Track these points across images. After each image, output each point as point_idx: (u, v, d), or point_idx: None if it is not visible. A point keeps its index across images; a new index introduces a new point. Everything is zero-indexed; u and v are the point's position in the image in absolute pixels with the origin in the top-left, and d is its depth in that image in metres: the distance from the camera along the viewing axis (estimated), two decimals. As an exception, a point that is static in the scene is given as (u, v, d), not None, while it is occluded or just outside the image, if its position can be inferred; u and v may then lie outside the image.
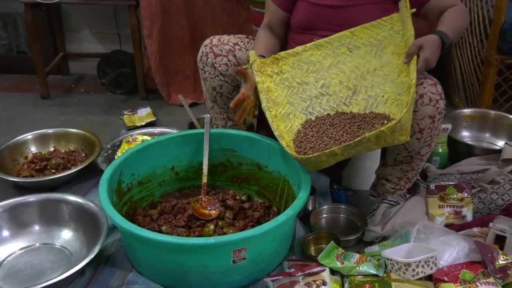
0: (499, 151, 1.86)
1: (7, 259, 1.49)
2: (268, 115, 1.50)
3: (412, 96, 1.31)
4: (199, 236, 1.49)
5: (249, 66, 1.56)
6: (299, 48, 1.61)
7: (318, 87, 1.55)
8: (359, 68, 1.53)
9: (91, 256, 1.36)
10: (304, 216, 1.67)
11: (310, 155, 1.34)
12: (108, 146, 2.06)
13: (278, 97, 1.53)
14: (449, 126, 1.96)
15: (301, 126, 1.49)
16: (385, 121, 1.37)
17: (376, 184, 1.73)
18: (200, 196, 1.63)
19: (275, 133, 1.45)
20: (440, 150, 1.96)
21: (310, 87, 1.55)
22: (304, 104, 1.54)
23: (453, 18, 1.49)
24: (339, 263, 1.38)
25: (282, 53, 1.61)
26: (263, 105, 1.51)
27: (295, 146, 1.44)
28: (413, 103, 1.33)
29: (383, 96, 1.45)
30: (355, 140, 1.29)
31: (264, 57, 1.61)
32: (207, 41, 1.67)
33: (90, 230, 1.51)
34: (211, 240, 1.25)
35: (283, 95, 1.57)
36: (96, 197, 1.53)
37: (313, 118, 1.51)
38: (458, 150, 1.99)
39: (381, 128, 1.27)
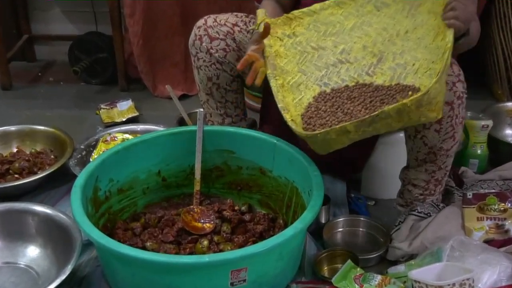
0: (549, 153, 1.87)
1: (-39, 281, 1.50)
2: (273, 84, 1.48)
3: (446, 63, 1.28)
4: (191, 253, 1.50)
5: (257, 28, 1.54)
6: (316, 6, 1.59)
7: (337, 53, 1.53)
8: (388, 31, 1.51)
9: (62, 277, 1.37)
10: (316, 230, 1.67)
11: (317, 131, 1.33)
12: (82, 147, 2.06)
13: (288, 64, 1.52)
14: (490, 122, 1.96)
15: (313, 99, 1.47)
16: (410, 93, 1.35)
17: (402, 191, 1.73)
18: (191, 207, 1.64)
19: (279, 105, 1.44)
20: (478, 152, 1.96)
21: (327, 53, 1.54)
22: (318, 74, 1.52)
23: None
24: (357, 286, 1.39)
25: (296, 12, 1.59)
26: (268, 72, 1.50)
27: (303, 122, 1.42)
28: (446, 71, 1.31)
29: (413, 65, 1.42)
30: (372, 114, 1.28)
31: None
32: (201, 22, 1.68)
33: (60, 246, 1.51)
34: (205, 258, 1.26)
35: (294, 61, 1.56)
36: (68, 207, 1.53)
37: (328, 90, 1.48)
38: (500, 151, 2.00)
39: (404, 101, 1.26)
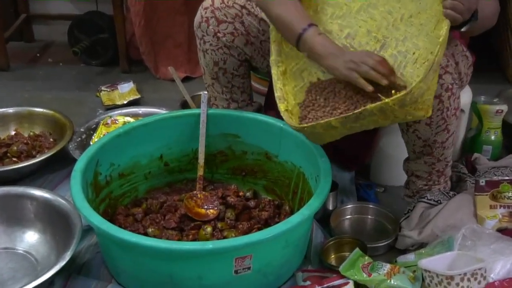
0: None
1: (-42, 267, 1.51)
2: (274, 71, 1.49)
3: (435, 60, 1.26)
4: (194, 240, 1.50)
5: None
6: None
7: (342, 38, 1.53)
8: (392, 14, 1.50)
9: (62, 263, 1.37)
10: (323, 217, 1.67)
11: (303, 125, 1.36)
12: (82, 130, 2.06)
13: (293, 49, 1.52)
14: (504, 107, 1.95)
15: (312, 88, 1.49)
16: (393, 91, 1.35)
17: (408, 182, 1.74)
18: (195, 192, 1.64)
19: (276, 94, 1.46)
20: (492, 138, 1.96)
21: (332, 37, 1.52)
22: None
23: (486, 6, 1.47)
24: (365, 275, 1.39)
25: None
26: (272, 58, 1.50)
27: (301, 111, 1.45)
28: (435, 68, 1.29)
29: (413, 53, 1.43)
30: (355, 112, 1.29)
31: None
32: (207, 3, 1.67)
33: (60, 232, 1.52)
34: (208, 245, 1.26)
35: None
36: (68, 191, 1.54)
37: (324, 78, 1.50)
38: (515, 137, 1.99)
39: (386, 100, 1.26)
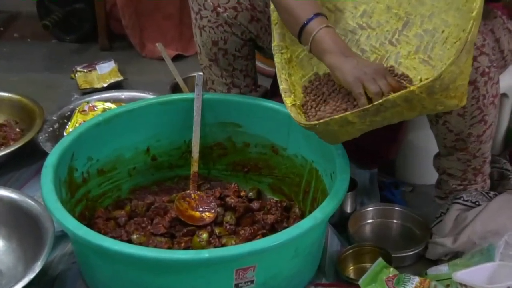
0: None
1: None
2: (277, 59, 1.49)
3: (468, 39, 1.25)
4: (187, 248, 1.51)
5: None
6: None
7: (357, 17, 1.53)
8: None
9: (31, 276, 1.37)
10: (339, 221, 1.68)
11: (315, 122, 1.35)
12: (54, 118, 2.07)
13: None
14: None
15: (323, 78, 1.48)
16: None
17: (439, 181, 1.74)
18: (188, 192, 1.64)
19: (280, 87, 1.46)
20: (539, 126, 1.95)
21: (346, 17, 1.53)
22: None
23: None
24: (390, 290, 1.39)
25: None
26: (274, 44, 1.51)
27: (309, 106, 1.45)
28: (469, 47, 1.28)
29: (443, 32, 1.42)
30: (375, 103, 1.28)
31: None
32: (205, -31, 1.66)
33: (28, 238, 1.52)
34: (204, 254, 1.26)
35: None
36: (37, 191, 1.54)
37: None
38: None
39: (411, 88, 1.26)
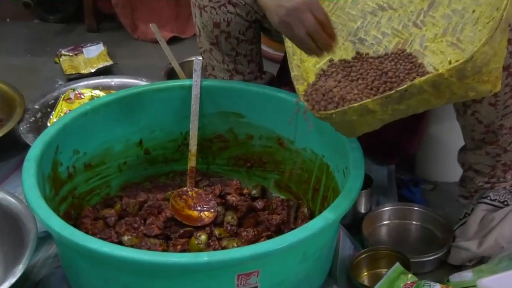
0: None
1: None
2: (288, 43, 1.50)
3: (503, 16, 1.26)
4: (183, 251, 1.52)
5: None
6: None
7: None
8: None
9: (12, 280, 1.38)
10: (353, 223, 1.69)
11: (331, 111, 1.35)
12: (36, 107, 2.08)
13: None
14: None
15: (339, 64, 1.48)
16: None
17: (464, 178, 1.74)
18: (184, 189, 1.66)
19: (292, 74, 1.46)
20: None
21: None
22: (352, 26, 1.53)
23: None
24: (408, 299, 1.41)
25: None
26: None
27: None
28: (504, 27, 1.29)
29: (473, 12, 1.42)
30: (399, 89, 1.29)
31: None
32: None
33: (8, 240, 1.53)
34: (203, 257, 1.26)
35: None
36: (18, 187, 1.56)
37: (364, 51, 1.49)
38: None
39: (440, 71, 1.26)
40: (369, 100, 1.31)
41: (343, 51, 1.51)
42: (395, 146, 1.89)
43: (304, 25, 1.33)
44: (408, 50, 1.44)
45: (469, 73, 1.27)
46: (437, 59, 1.41)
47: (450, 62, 1.35)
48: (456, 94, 1.31)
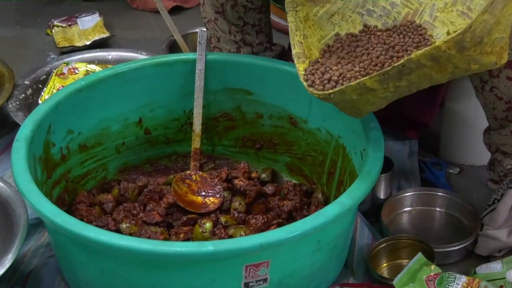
0: None
1: None
2: (291, 17, 1.49)
3: None
4: (186, 240, 1.52)
5: None
6: None
7: None
8: None
9: (0, 271, 1.38)
10: (371, 209, 1.69)
11: (329, 91, 1.35)
12: (27, 82, 2.08)
13: None
14: None
15: (345, 38, 1.49)
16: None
17: (492, 161, 1.74)
18: (188, 172, 1.66)
19: (293, 51, 1.46)
20: None
21: None
22: None
23: None
24: (431, 292, 1.40)
25: None
26: (287, 0, 1.51)
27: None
28: None
29: None
30: (396, 64, 1.29)
31: None
32: None
33: (-3, 227, 1.53)
34: (208, 247, 1.26)
35: None
36: (7, 170, 1.56)
37: (371, 22, 1.49)
38: None
39: (436, 43, 1.25)
40: (367, 77, 1.31)
41: (350, 24, 1.51)
42: (410, 119, 1.89)
43: None
44: (417, 22, 1.44)
45: (469, 44, 1.25)
46: (447, 30, 1.41)
47: (448, 33, 1.35)
48: (459, 68, 1.31)
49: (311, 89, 1.39)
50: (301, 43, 1.48)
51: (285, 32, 2.27)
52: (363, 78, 1.31)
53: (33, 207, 1.33)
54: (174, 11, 2.63)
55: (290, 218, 1.59)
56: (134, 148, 1.76)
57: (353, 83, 1.32)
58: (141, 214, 1.57)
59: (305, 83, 1.40)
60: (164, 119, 1.76)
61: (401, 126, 1.91)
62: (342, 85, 1.34)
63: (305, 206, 1.63)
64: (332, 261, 1.48)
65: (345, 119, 1.56)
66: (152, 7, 2.57)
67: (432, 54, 1.26)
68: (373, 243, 1.59)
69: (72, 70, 2.07)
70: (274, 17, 2.28)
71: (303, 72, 1.43)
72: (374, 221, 1.67)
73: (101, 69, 1.99)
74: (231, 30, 1.78)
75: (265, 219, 1.56)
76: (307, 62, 1.45)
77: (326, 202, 1.63)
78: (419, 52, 1.26)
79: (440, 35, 1.39)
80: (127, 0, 2.70)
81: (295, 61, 1.45)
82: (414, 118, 1.91)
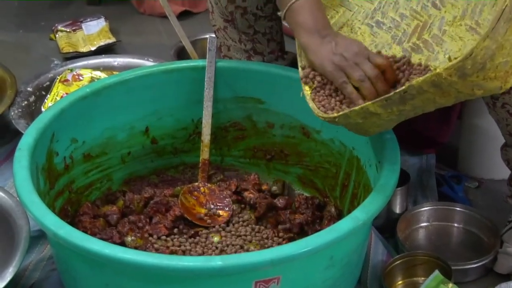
0: None
1: None
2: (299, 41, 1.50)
3: (507, 3, 1.23)
4: (194, 254, 1.52)
5: None
6: None
7: None
8: None
9: (1, 285, 1.39)
10: (386, 224, 1.69)
11: (334, 115, 1.37)
12: (30, 89, 2.08)
13: None
14: None
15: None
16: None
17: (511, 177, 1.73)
18: (196, 184, 1.66)
19: (299, 65, 1.47)
20: None
21: None
22: (369, 7, 1.53)
23: None
24: (448, 311, 1.40)
25: None
26: None
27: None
28: (510, 17, 1.27)
29: None
30: (398, 91, 1.30)
31: None
32: None
33: (-3, 239, 1.54)
34: (216, 261, 1.26)
35: None
36: (9, 179, 1.56)
37: (380, 35, 1.50)
38: None
39: (437, 71, 1.26)
40: (369, 103, 1.33)
41: (359, 36, 1.51)
42: (425, 138, 1.90)
43: (364, 69, 1.36)
44: (426, 36, 1.44)
45: (470, 71, 1.26)
46: (456, 46, 1.40)
47: (450, 59, 1.34)
48: (463, 93, 1.31)
49: (316, 111, 1.40)
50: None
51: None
52: (366, 103, 1.33)
53: (35, 218, 1.33)
54: (183, 16, 2.64)
55: (302, 232, 1.59)
56: (140, 158, 1.76)
57: (356, 108, 1.34)
58: (147, 227, 1.58)
59: (311, 104, 1.41)
60: (172, 128, 1.76)
61: (417, 145, 1.91)
62: (344, 110, 1.36)
63: (317, 220, 1.63)
64: (345, 278, 1.47)
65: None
66: (159, 12, 2.57)
67: (434, 81, 1.27)
68: (388, 260, 1.60)
69: (77, 77, 2.07)
70: (285, 23, 2.28)
71: (309, 92, 1.43)
72: (389, 236, 1.67)
73: (106, 76, 1.99)
74: (241, 39, 1.79)
75: (276, 233, 1.58)
76: (315, 84, 1.46)
77: (339, 216, 1.63)
78: (420, 78, 1.27)
79: (448, 51, 1.40)
80: (134, 4, 2.70)
81: (302, 84, 1.45)
82: (429, 136, 1.91)
